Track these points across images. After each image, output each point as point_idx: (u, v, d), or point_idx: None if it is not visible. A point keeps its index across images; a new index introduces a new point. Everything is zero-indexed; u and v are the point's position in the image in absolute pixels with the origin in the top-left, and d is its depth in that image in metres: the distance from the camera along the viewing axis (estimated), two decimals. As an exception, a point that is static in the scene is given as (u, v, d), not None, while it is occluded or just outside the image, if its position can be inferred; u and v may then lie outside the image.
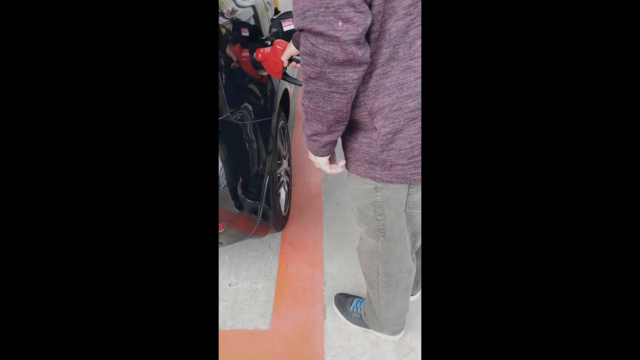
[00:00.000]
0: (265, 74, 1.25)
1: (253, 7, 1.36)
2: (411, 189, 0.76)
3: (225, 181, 1.11)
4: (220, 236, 1.22)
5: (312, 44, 0.55)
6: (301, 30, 0.56)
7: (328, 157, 0.78)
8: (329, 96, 0.61)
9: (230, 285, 1.50)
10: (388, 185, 0.75)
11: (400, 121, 0.65)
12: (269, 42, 1.18)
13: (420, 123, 0.64)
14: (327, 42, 0.54)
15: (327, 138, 0.71)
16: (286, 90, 1.65)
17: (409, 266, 0.95)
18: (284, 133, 1.64)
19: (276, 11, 1.64)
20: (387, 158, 0.70)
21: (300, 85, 1.20)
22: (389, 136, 0.67)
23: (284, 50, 1.09)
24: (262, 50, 1.16)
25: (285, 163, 1.71)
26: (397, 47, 0.60)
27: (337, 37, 0.53)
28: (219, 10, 1.03)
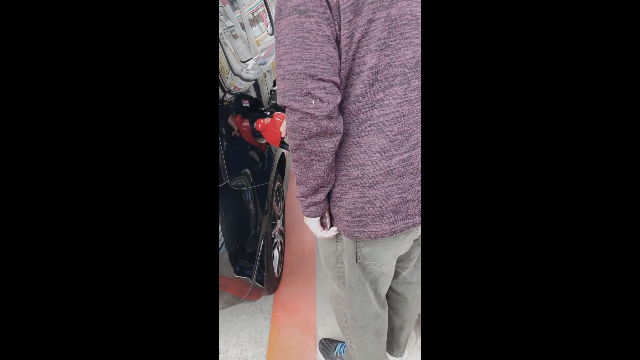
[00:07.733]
0: (264, 141, 1.32)
1: (255, 79, 1.47)
2: (359, 243, 0.82)
3: (223, 245, 1.12)
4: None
5: (292, 122, 0.65)
6: (283, 106, 0.65)
7: (317, 219, 0.82)
8: (310, 164, 0.70)
9: (218, 353, 1.43)
10: (341, 236, 0.83)
11: (345, 185, 0.74)
12: (269, 113, 1.26)
13: (361, 190, 0.73)
14: (303, 119, 0.63)
15: (311, 200, 0.78)
16: (283, 154, 1.72)
17: (375, 312, 0.99)
18: (279, 193, 1.68)
19: (275, 82, 1.76)
20: (337, 213, 0.78)
21: None
22: (337, 195, 0.76)
23: (282, 121, 1.17)
24: (262, 120, 1.24)
25: (279, 223, 1.73)
26: (348, 125, 0.70)
27: (310, 113, 0.62)
28: (227, 88, 1.11)
